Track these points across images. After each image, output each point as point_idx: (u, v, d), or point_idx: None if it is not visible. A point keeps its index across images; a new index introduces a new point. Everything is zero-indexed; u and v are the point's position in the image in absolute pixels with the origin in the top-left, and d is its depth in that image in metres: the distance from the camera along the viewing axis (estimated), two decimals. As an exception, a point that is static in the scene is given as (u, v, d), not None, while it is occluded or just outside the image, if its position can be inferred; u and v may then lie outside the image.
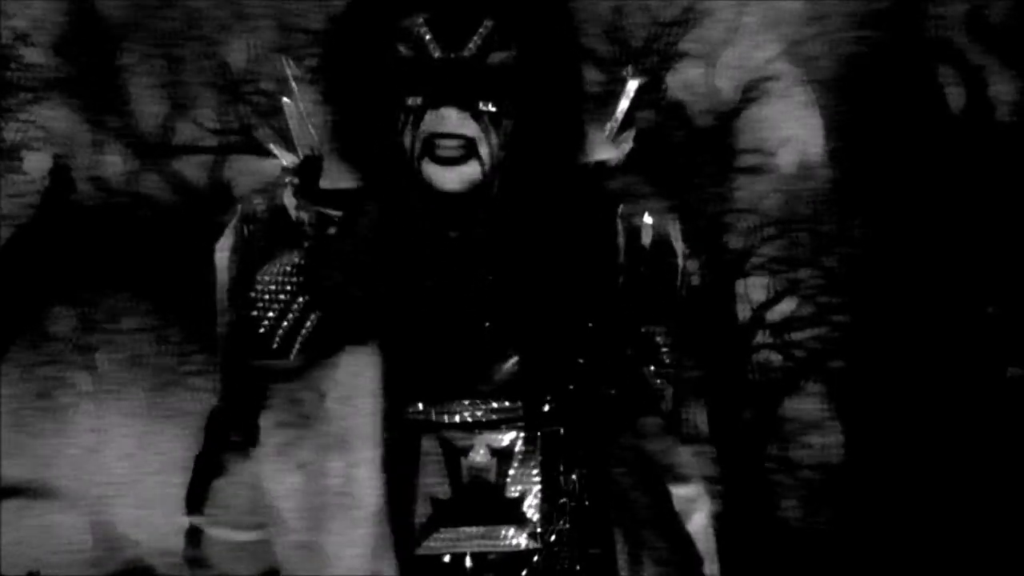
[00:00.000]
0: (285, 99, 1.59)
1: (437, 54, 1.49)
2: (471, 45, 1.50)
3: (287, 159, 1.60)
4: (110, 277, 5.29)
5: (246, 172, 5.15)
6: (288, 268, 1.50)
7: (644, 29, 5.41)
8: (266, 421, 1.45)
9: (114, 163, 5.33)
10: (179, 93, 5.32)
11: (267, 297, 1.51)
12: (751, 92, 5.48)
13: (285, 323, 1.48)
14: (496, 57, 1.50)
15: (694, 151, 5.28)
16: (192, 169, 5.36)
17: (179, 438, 5.21)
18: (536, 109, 1.50)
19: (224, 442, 1.52)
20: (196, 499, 1.50)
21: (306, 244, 1.45)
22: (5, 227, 5.21)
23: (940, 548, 4.83)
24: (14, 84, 5.15)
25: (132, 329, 5.41)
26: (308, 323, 1.47)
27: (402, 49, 1.48)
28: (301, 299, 1.47)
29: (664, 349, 1.54)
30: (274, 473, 1.47)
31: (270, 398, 1.46)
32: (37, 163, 5.19)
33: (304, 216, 1.50)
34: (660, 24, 5.41)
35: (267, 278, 1.50)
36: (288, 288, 1.50)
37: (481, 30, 1.49)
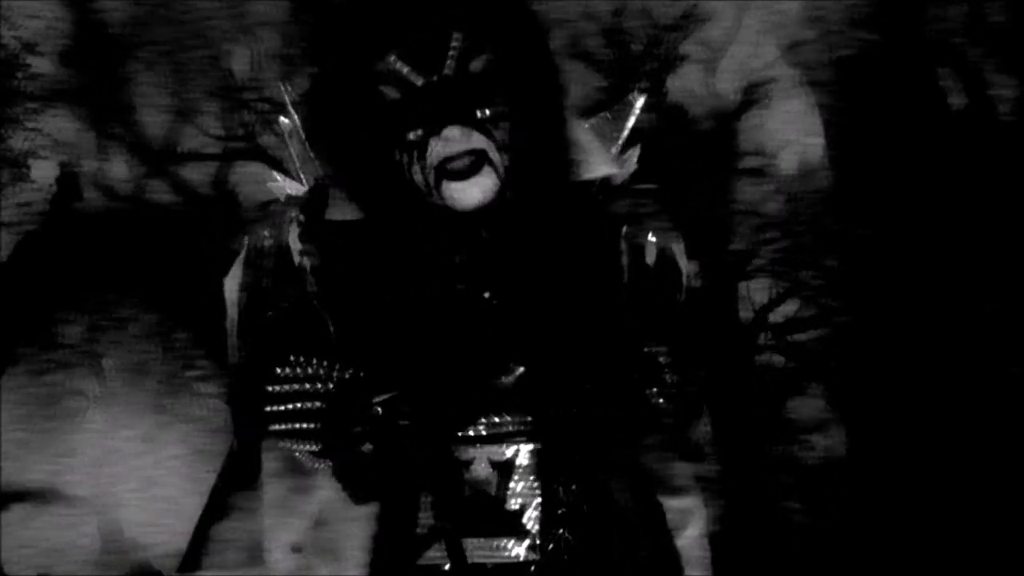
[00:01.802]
0: (285, 120, 1.66)
1: (420, 82, 1.54)
2: (449, 62, 1.54)
3: (291, 188, 1.66)
4: (117, 283, 5.37)
5: (250, 178, 5.25)
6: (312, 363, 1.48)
7: (644, 33, 5.49)
8: (268, 467, 1.49)
9: (120, 170, 5.41)
10: (184, 100, 5.41)
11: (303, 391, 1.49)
12: (752, 95, 5.55)
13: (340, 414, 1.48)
14: (476, 64, 1.56)
15: (695, 154, 5.36)
16: (197, 176, 5.45)
17: (186, 442, 5.29)
18: (522, 107, 1.55)
19: (232, 484, 1.56)
20: (195, 557, 1.51)
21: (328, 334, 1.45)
22: (13, 235, 5.29)
23: (943, 548, 4.90)
24: (21, 93, 5.24)
25: (139, 335, 5.49)
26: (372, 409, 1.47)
27: (387, 91, 1.54)
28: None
29: (667, 370, 1.58)
30: (277, 527, 1.51)
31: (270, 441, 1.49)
32: (44, 171, 5.27)
33: (307, 262, 1.55)
34: (660, 28, 5.49)
35: (294, 372, 1.49)
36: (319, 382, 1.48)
37: (453, 44, 1.54)
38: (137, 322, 5.46)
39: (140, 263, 5.25)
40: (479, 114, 1.56)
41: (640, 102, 1.71)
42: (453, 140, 1.55)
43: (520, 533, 1.55)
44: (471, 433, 1.56)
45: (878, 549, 4.98)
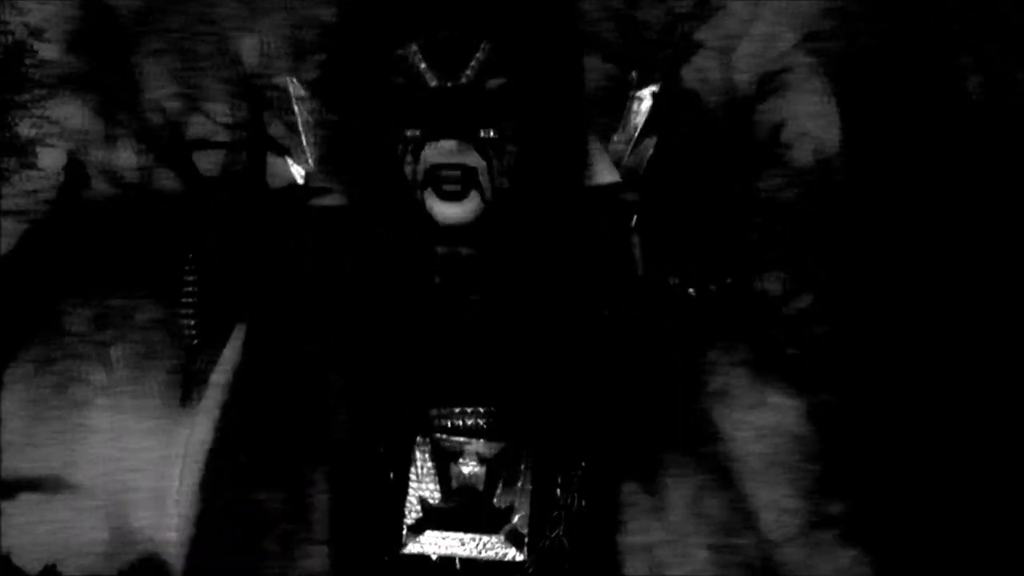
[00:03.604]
0: (297, 108, 1.68)
1: (433, 83, 1.55)
2: (468, 71, 1.55)
3: (297, 172, 1.69)
4: (124, 272, 5.42)
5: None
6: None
7: (658, 21, 5.48)
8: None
9: (128, 158, 5.45)
10: (192, 88, 5.45)
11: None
12: (767, 84, 5.55)
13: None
14: (494, 82, 1.55)
15: (708, 144, 5.37)
16: (205, 164, 5.48)
17: (194, 431, 5.33)
18: (538, 131, 1.56)
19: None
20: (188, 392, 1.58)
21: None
22: (20, 222, 5.34)
23: (957, 545, 4.91)
24: (28, 80, 5.28)
25: (146, 323, 5.53)
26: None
27: (398, 79, 1.55)
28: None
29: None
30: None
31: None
32: (52, 159, 5.32)
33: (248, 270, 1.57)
34: (675, 15, 5.49)
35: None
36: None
37: (478, 55, 1.54)
38: (144, 311, 5.50)
39: (148, 251, 5.29)
40: (482, 133, 1.58)
41: (647, 93, 1.73)
42: (447, 152, 1.58)
43: (507, 531, 1.58)
44: (460, 425, 1.60)
45: (890, 543, 4.99)
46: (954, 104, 5.40)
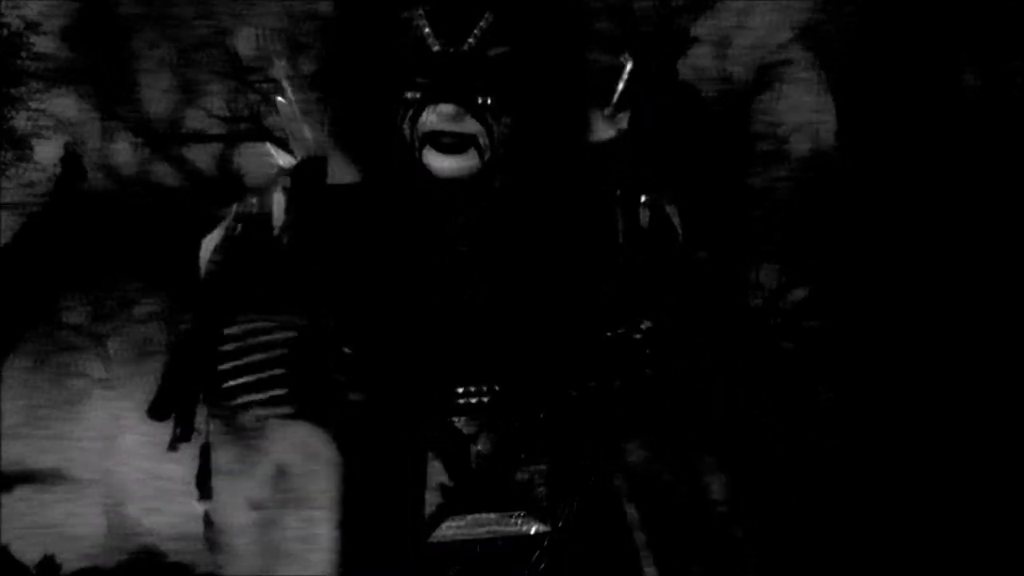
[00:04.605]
0: (279, 99, 1.69)
1: (436, 48, 1.57)
2: (471, 39, 1.57)
3: (284, 160, 1.70)
4: (121, 265, 5.43)
5: (256, 159, 5.29)
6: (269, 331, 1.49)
7: (655, 13, 5.50)
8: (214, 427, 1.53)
9: (124, 151, 5.47)
10: (188, 81, 5.46)
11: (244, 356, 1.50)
12: (764, 77, 5.56)
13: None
14: (496, 50, 1.58)
15: (705, 137, 5.38)
16: (202, 157, 5.50)
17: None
18: (538, 102, 1.57)
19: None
20: (206, 485, 1.60)
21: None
22: (17, 215, 5.35)
23: (956, 540, 4.93)
24: (24, 73, 5.29)
25: (144, 316, 5.55)
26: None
27: (401, 42, 1.57)
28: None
29: (647, 348, 1.60)
30: (224, 507, 1.56)
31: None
32: (48, 152, 5.33)
33: (285, 237, 1.58)
34: (672, 8, 5.50)
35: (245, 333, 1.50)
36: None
37: (481, 23, 1.57)
38: (141, 304, 5.52)
39: (144, 244, 5.30)
40: (480, 100, 1.59)
41: (629, 65, 1.74)
42: (447, 117, 1.59)
43: (529, 506, 1.59)
44: (473, 403, 1.59)
45: (884, 541, 5.01)
46: (950, 97, 5.41)
